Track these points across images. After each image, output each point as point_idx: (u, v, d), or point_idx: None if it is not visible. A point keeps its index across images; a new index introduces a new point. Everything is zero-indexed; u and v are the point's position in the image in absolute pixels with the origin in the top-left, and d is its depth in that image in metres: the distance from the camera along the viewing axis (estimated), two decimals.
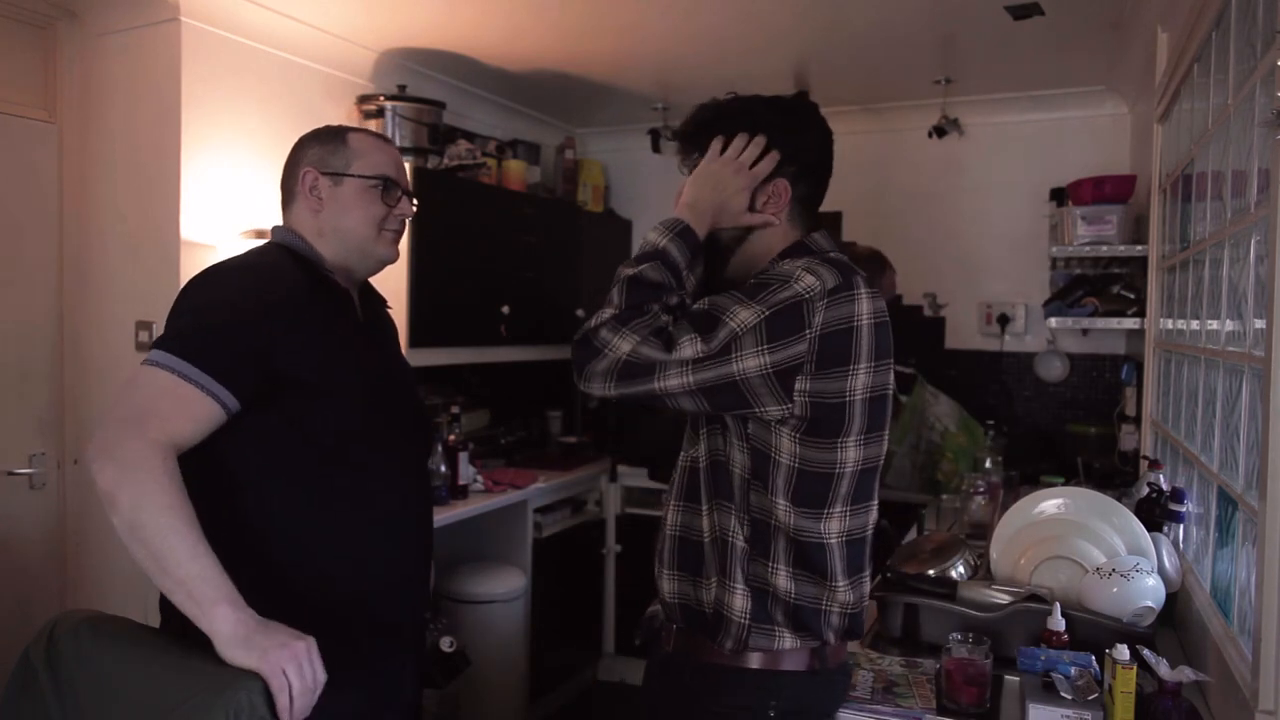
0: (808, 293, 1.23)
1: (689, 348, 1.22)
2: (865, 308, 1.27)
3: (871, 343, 1.28)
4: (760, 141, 1.35)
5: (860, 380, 1.27)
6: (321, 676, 1.17)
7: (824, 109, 1.47)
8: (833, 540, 1.31)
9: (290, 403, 1.34)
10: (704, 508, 1.35)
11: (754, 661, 1.32)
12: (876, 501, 1.38)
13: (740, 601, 1.31)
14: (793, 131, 1.38)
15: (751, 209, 1.37)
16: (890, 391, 1.34)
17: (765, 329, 1.22)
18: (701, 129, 1.40)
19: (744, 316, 1.22)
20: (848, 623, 1.34)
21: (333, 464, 1.39)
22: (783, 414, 1.25)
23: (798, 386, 1.24)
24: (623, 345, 1.23)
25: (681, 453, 1.42)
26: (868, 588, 1.39)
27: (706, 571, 1.34)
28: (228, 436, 1.30)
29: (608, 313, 1.26)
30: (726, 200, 1.35)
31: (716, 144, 1.37)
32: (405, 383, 1.62)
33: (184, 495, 1.20)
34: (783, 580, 1.30)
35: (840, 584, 1.32)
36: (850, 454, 1.29)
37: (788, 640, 1.31)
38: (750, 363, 1.22)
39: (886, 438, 1.36)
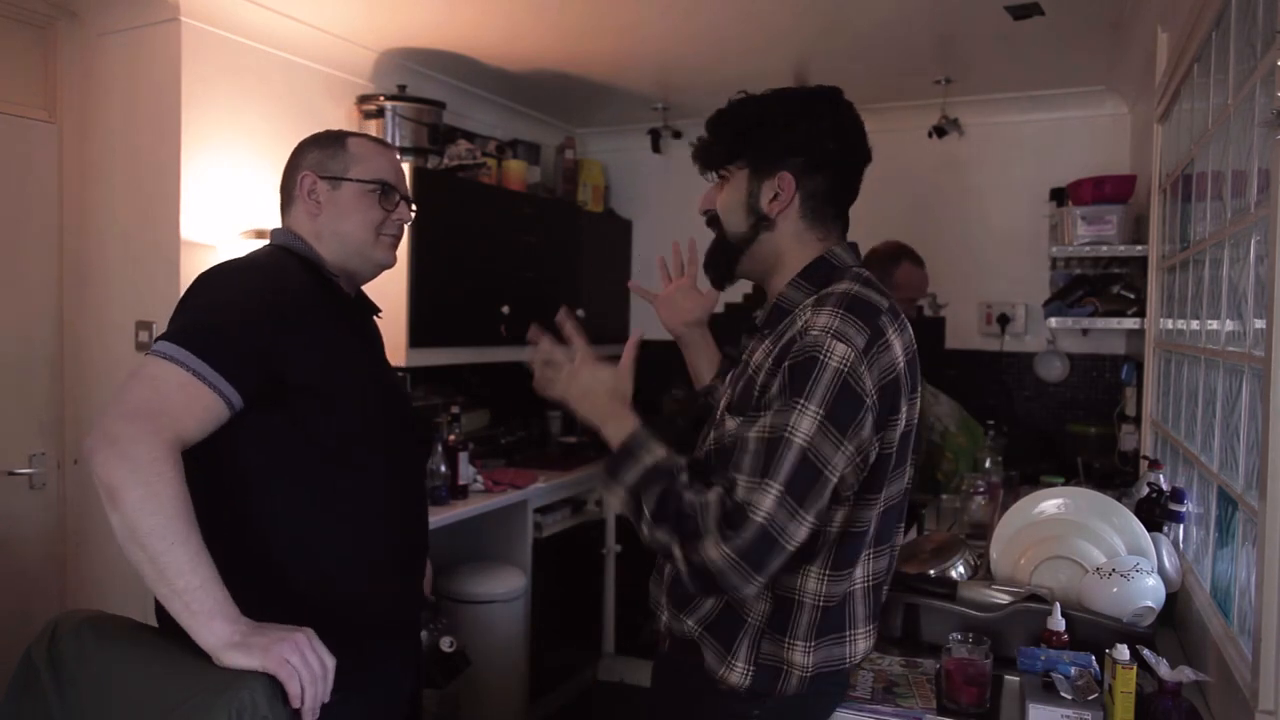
0: (845, 363, 1.15)
1: (766, 493, 1.12)
2: (899, 348, 1.22)
3: (909, 382, 1.25)
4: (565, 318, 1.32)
5: (900, 421, 1.24)
6: (330, 661, 1.17)
7: None
8: (856, 587, 1.28)
9: (293, 403, 1.34)
10: None
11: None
12: (897, 543, 1.35)
13: (738, 678, 1.26)
14: (795, 120, 1.30)
15: (755, 208, 1.31)
16: (915, 425, 1.30)
17: (832, 424, 1.14)
18: (716, 144, 1.35)
19: (805, 425, 1.14)
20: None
21: (334, 465, 1.39)
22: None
23: (870, 455, 1.21)
24: (712, 552, 1.13)
25: None
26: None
27: (701, 619, 1.30)
28: (230, 435, 1.29)
29: (676, 550, 1.17)
30: (609, 388, 1.28)
31: (549, 381, 1.31)
32: (396, 386, 1.63)
33: (188, 500, 1.18)
34: (800, 655, 1.25)
35: (861, 632, 1.29)
36: (881, 496, 1.26)
37: (790, 693, 1.27)
38: (840, 464, 1.16)
39: (908, 471, 1.32)
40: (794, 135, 1.30)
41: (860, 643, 1.29)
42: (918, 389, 1.28)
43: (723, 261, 1.38)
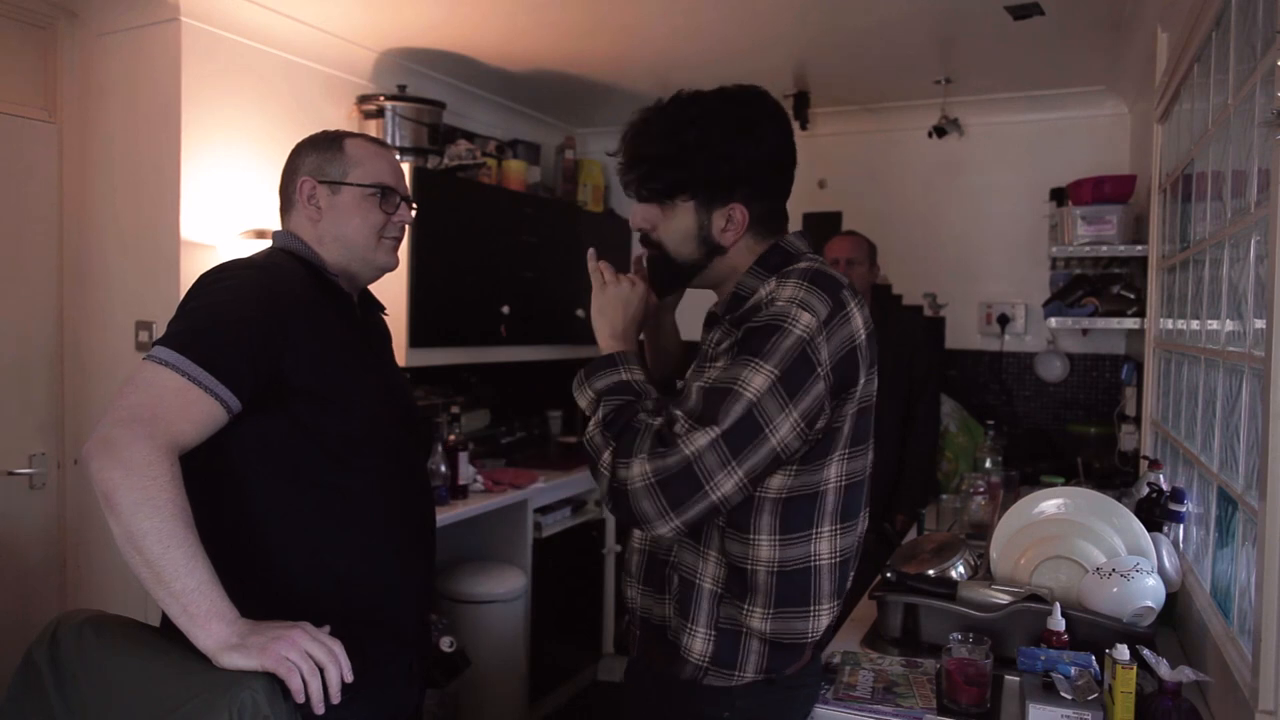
0: (807, 332, 1.17)
1: (705, 435, 1.14)
2: (858, 322, 1.23)
3: (868, 355, 1.25)
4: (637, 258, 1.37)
5: (856, 394, 1.25)
6: (335, 645, 1.17)
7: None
8: (823, 562, 1.27)
9: (293, 405, 1.34)
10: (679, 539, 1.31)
11: (709, 680, 1.30)
12: (864, 521, 1.35)
13: (700, 645, 1.27)
14: (737, 150, 1.26)
15: (707, 239, 1.30)
16: (873, 402, 1.31)
17: (783, 387, 1.16)
18: (655, 178, 1.29)
19: (758, 382, 1.15)
20: (822, 636, 1.33)
21: (336, 466, 1.39)
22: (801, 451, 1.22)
23: (819, 424, 1.21)
24: (636, 470, 1.16)
25: None
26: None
27: (671, 596, 1.32)
28: (230, 437, 1.29)
29: (607, 455, 1.20)
30: (633, 314, 1.34)
31: (595, 271, 1.38)
32: (400, 387, 1.63)
33: (185, 503, 1.18)
34: (759, 621, 1.26)
35: (825, 608, 1.29)
36: (832, 470, 1.26)
37: (749, 674, 1.28)
38: (784, 428, 1.17)
39: (870, 450, 1.32)
40: (739, 165, 1.27)
41: (824, 618, 1.29)
42: (874, 364, 1.29)
43: (667, 280, 1.38)
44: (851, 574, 1.35)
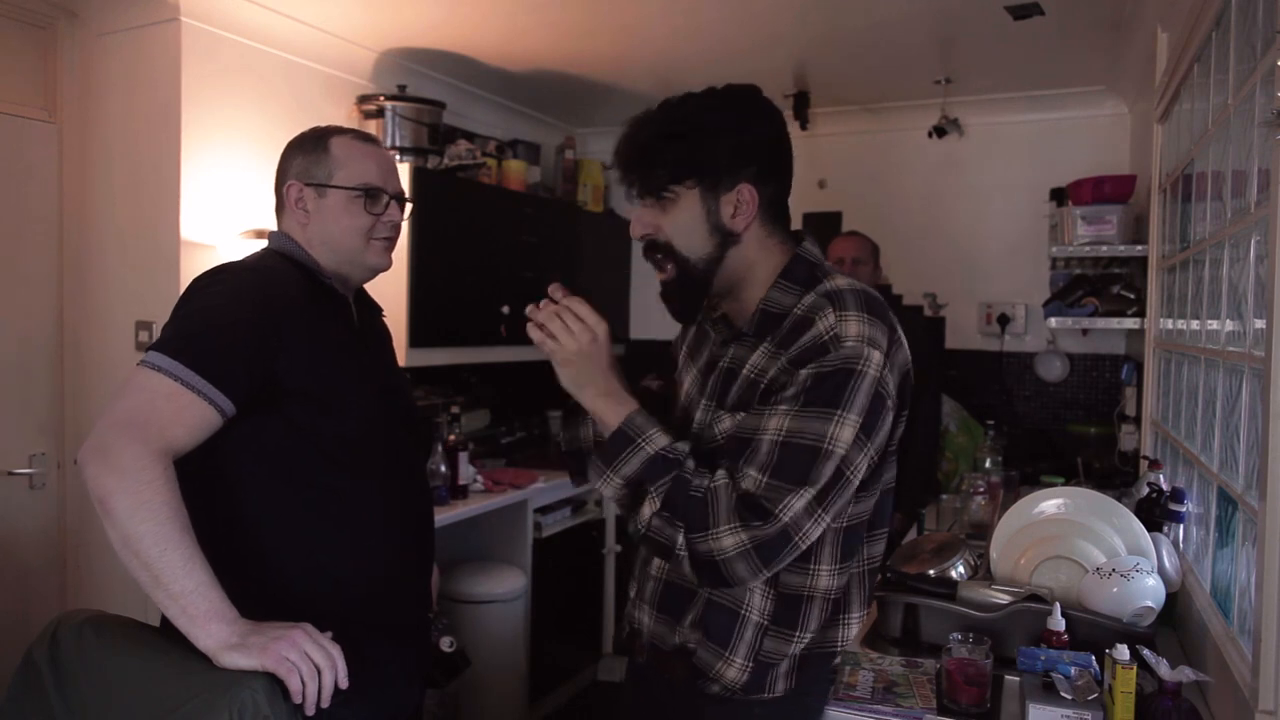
0: (879, 370, 1.14)
1: (801, 496, 1.11)
2: (906, 345, 1.23)
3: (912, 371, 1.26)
4: (559, 304, 1.21)
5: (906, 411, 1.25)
6: (333, 649, 1.17)
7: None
8: (853, 572, 1.28)
9: (288, 406, 1.34)
10: None
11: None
12: (889, 527, 1.36)
13: (735, 674, 1.25)
14: (744, 129, 1.21)
15: (719, 226, 1.22)
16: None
17: (864, 431, 1.14)
18: (657, 166, 1.22)
19: (846, 436, 1.12)
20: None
21: (332, 468, 1.39)
22: None
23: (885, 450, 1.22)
24: (725, 543, 1.11)
25: None
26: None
27: (692, 621, 1.28)
28: (226, 440, 1.29)
29: (680, 539, 1.13)
30: (606, 362, 1.20)
31: (542, 341, 1.22)
32: (400, 387, 1.62)
33: (180, 505, 1.19)
34: (800, 646, 1.26)
35: (855, 615, 1.29)
36: (879, 484, 1.27)
37: (779, 689, 1.27)
38: (863, 466, 1.17)
39: (895, 455, 1.31)
40: (745, 142, 1.21)
41: (854, 626, 1.31)
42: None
43: (691, 290, 1.25)
44: (875, 582, 1.36)
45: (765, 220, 1.25)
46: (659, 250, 1.25)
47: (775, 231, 1.27)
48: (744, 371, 1.24)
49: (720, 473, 1.15)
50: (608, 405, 1.20)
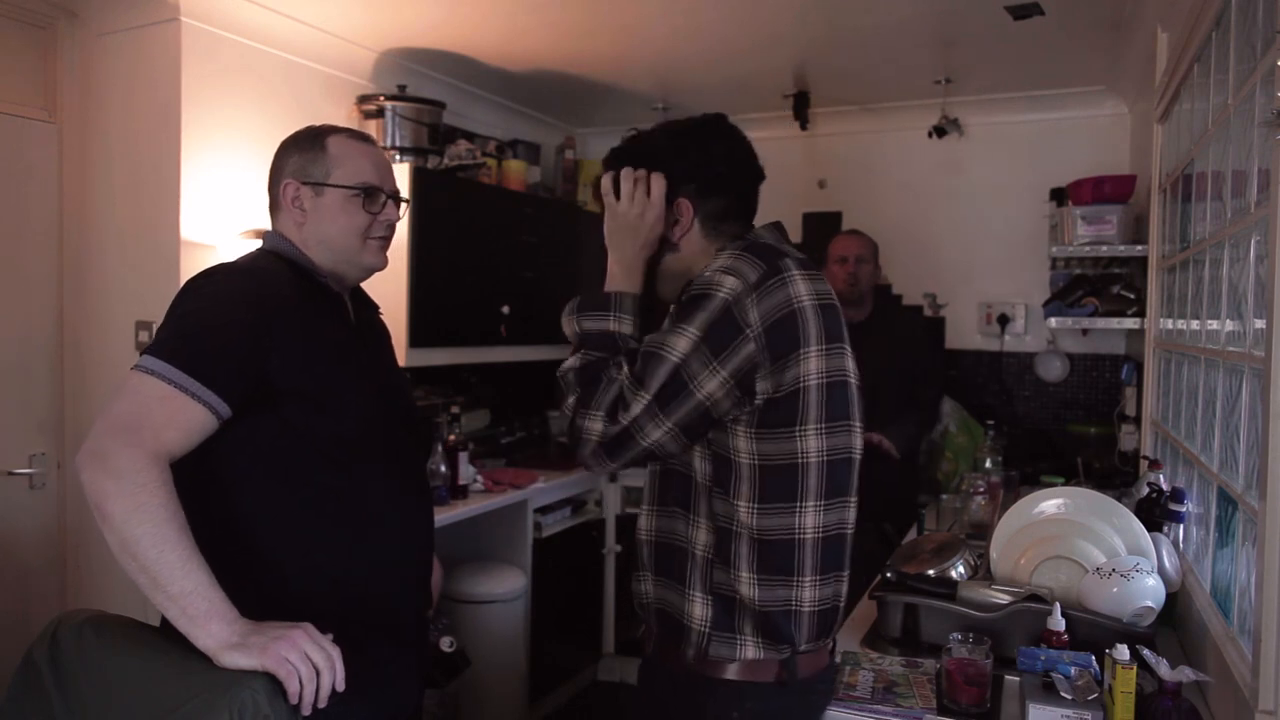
0: (732, 293, 1.24)
1: (639, 401, 1.25)
2: (802, 289, 1.27)
3: (819, 325, 1.28)
4: (643, 174, 1.36)
5: (812, 364, 1.27)
6: (334, 651, 1.17)
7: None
8: (807, 536, 1.30)
9: (284, 406, 1.34)
10: (673, 511, 1.37)
11: (719, 671, 1.31)
12: (855, 498, 1.37)
13: (700, 609, 1.32)
14: (685, 150, 1.38)
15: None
16: (850, 380, 1.33)
17: (707, 347, 1.23)
18: (614, 175, 1.41)
19: (682, 345, 1.25)
20: (818, 621, 1.33)
21: (329, 468, 1.39)
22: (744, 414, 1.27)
23: (759, 387, 1.25)
24: (594, 426, 1.28)
25: None
26: (844, 588, 1.38)
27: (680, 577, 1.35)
28: (222, 441, 1.29)
29: (571, 400, 1.32)
30: (642, 241, 1.36)
31: (608, 193, 1.39)
32: (399, 386, 1.62)
33: (178, 508, 1.19)
34: (745, 587, 1.29)
35: (807, 579, 1.31)
36: (811, 443, 1.28)
37: (750, 650, 1.30)
38: (710, 384, 1.24)
39: (858, 430, 1.35)
40: (684, 164, 1.37)
41: (806, 589, 1.31)
42: (839, 340, 1.32)
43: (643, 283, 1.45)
44: (846, 553, 1.37)
45: (706, 232, 1.39)
46: None
47: (718, 241, 1.39)
48: None
49: (624, 372, 1.29)
50: (620, 272, 1.37)
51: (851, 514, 1.37)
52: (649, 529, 1.41)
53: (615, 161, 1.41)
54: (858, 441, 1.36)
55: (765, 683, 1.31)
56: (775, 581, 1.30)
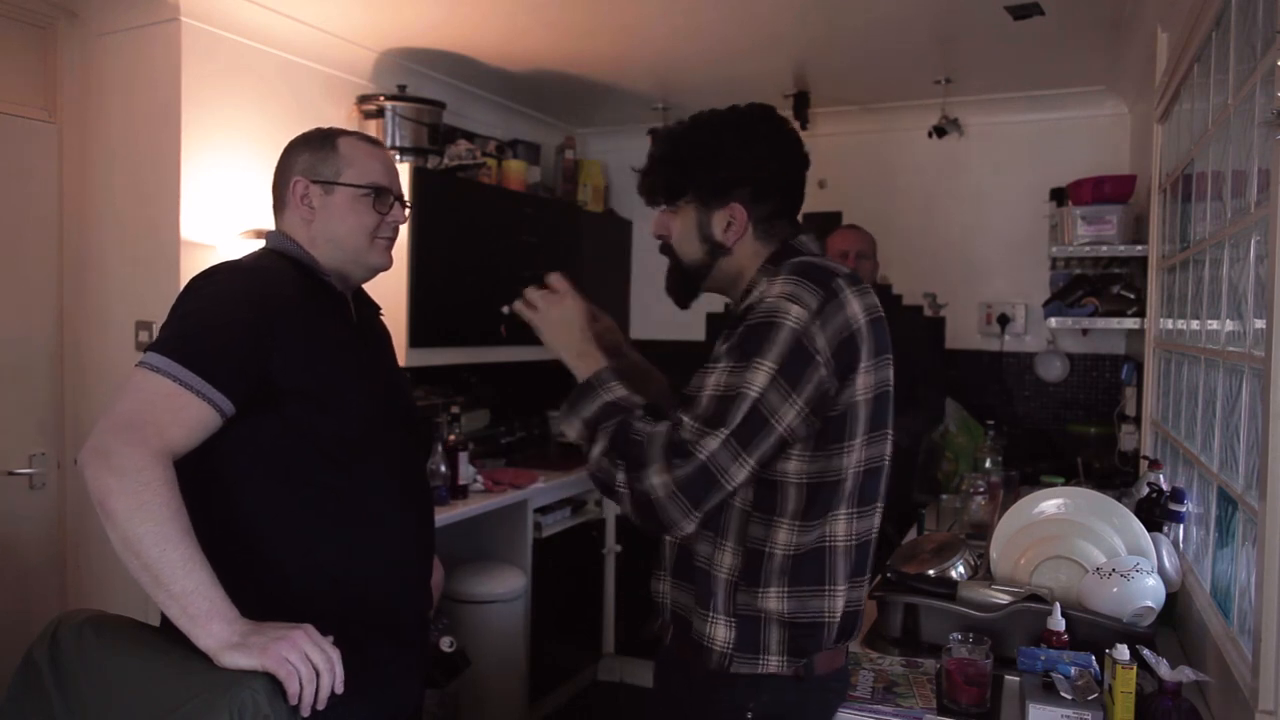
0: (799, 322, 1.22)
1: (715, 438, 1.20)
2: (856, 307, 1.27)
3: (871, 341, 1.28)
4: (548, 284, 1.40)
5: (861, 381, 1.27)
6: (334, 653, 1.17)
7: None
8: (839, 544, 1.30)
9: (287, 406, 1.34)
10: (699, 533, 1.32)
11: (737, 668, 1.31)
12: (882, 504, 1.37)
13: (723, 632, 1.30)
14: (737, 153, 1.34)
15: (709, 238, 1.36)
16: (890, 389, 1.34)
17: (784, 379, 1.21)
18: (661, 181, 1.39)
19: (759, 380, 1.21)
20: (840, 625, 1.33)
21: (330, 467, 1.39)
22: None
23: (827, 410, 1.25)
24: (655, 480, 1.20)
25: None
26: (865, 591, 1.39)
27: (690, 586, 1.35)
28: (223, 440, 1.29)
29: (620, 477, 1.23)
30: (580, 326, 1.37)
31: (523, 310, 1.41)
32: (400, 386, 1.62)
33: (180, 506, 1.19)
34: (775, 602, 1.29)
35: (840, 588, 1.31)
36: (854, 456, 1.29)
37: (774, 665, 1.30)
38: (789, 416, 1.22)
39: (890, 437, 1.35)
40: (738, 165, 1.34)
41: (839, 598, 1.31)
42: (886, 351, 1.32)
43: (682, 286, 1.43)
44: (870, 559, 1.37)
45: (759, 234, 1.37)
46: (665, 250, 1.44)
47: (771, 243, 1.38)
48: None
49: (663, 424, 1.25)
50: (581, 363, 1.35)
51: (879, 519, 1.38)
52: (673, 542, 1.39)
53: (663, 165, 1.38)
54: (890, 448, 1.36)
55: (784, 676, 1.31)
56: (807, 592, 1.29)
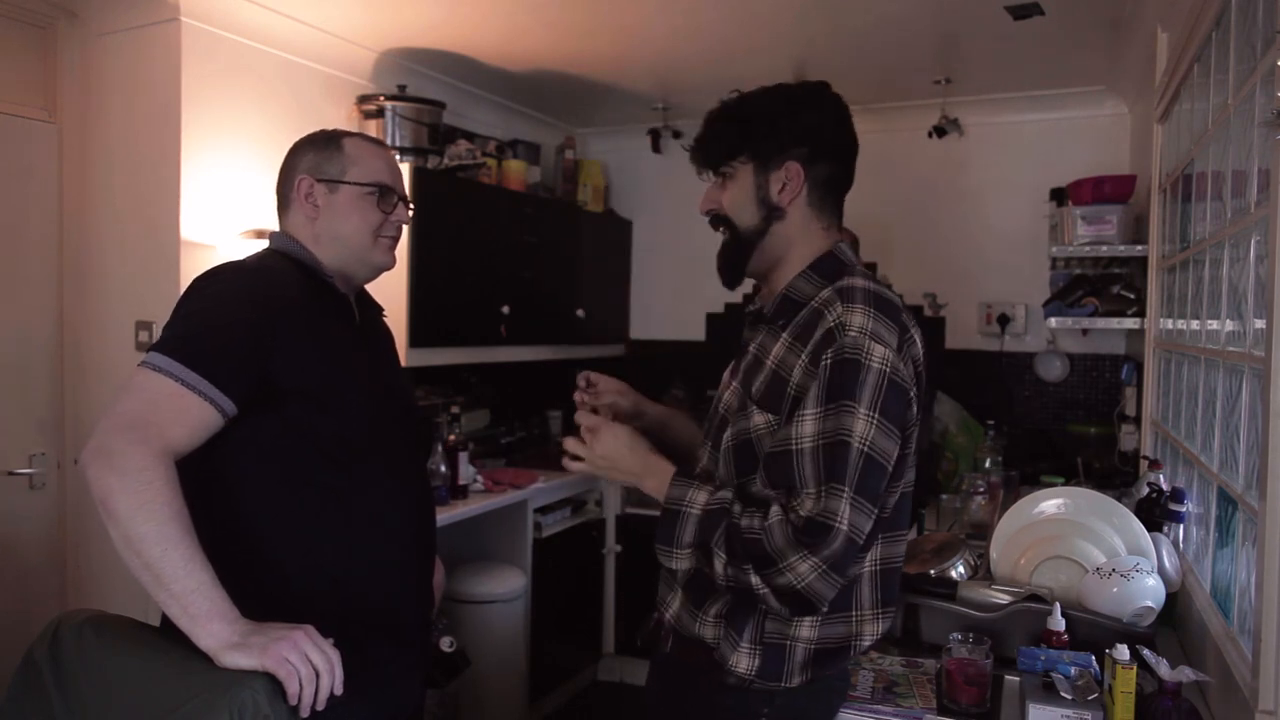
0: (886, 364, 1.21)
1: (843, 504, 1.16)
2: (919, 346, 1.29)
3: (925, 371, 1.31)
4: (584, 431, 1.36)
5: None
6: (333, 654, 1.17)
7: None
8: (864, 569, 1.29)
9: (289, 407, 1.34)
10: None
11: (755, 689, 1.30)
12: (909, 532, 1.37)
13: (746, 662, 1.28)
14: (796, 112, 1.34)
15: (766, 199, 1.34)
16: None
17: (887, 421, 1.20)
18: (717, 142, 1.37)
19: (860, 428, 1.18)
20: (865, 647, 1.33)
21: (331, 467, 1.39)
22: None
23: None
24: (800, 568, 1.16)
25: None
26: (892, 624, 1.38)
27: (709, 609, 1.31)
28: (225, 440, 1.29)
29: (755, 580, 1.19)
30: (632, 444, 1.35)
31: (571, 464, 1.37)
32: (401, 387, 1.62)
33: (182, 506, 1.19)
34: (806, 630, 1.28)
35: (867, 614, 1.30)
36: (900, 481, 1.29)
37: (795, 682, 1.29)
38: (894, 452, 1.22)
39: (915, 462, 1.34)
40: (796, 125, 1.33)
41: (866, 624, 1.31)
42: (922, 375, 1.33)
43: (735, 260, 1.39)
44: (896, 587, 1.36)
45: (812, 202, 1.36)
46: (719, 222, 1.40)
47: (821, 217, 1.37)
48: (768, 362, 1.32)
49: (774, 510, 1.19)
50: (652, 482, 1.32)
51: (904, 547, 1.37)
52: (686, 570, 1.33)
53: (720, 124, 1.36)
54: (914, 474, 1.35)
55: (796, 688, 1.30)
56: (835, 619, 1.29)
